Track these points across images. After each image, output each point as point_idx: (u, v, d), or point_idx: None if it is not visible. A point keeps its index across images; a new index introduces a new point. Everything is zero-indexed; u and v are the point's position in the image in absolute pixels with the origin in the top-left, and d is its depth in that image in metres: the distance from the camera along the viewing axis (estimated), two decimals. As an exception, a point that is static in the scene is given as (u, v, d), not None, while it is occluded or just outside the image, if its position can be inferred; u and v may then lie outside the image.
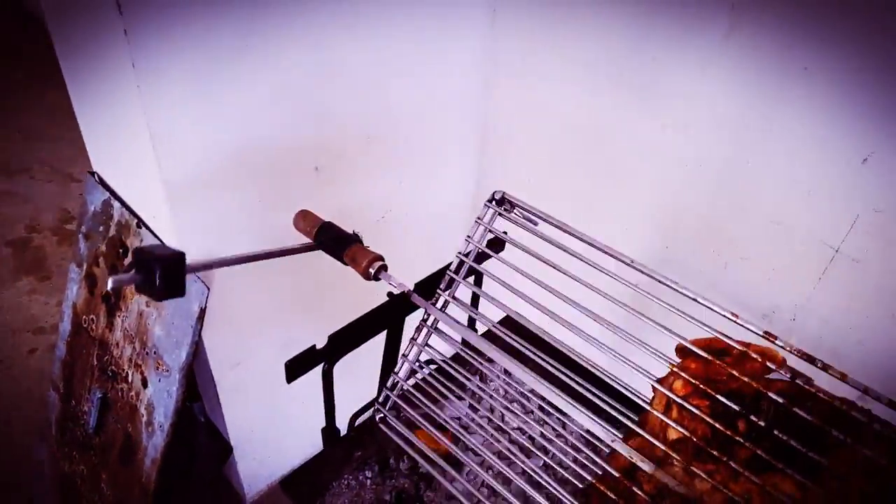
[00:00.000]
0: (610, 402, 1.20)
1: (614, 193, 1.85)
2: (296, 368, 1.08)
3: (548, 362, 1.23)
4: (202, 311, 1.49)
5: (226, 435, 1.99)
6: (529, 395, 1.49)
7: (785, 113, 1.42)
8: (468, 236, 1.18)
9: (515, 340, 1.29)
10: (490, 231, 1.20)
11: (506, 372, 1.56)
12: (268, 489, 2.25)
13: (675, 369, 0.95)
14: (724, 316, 1.02)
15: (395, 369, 1.18)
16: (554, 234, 1.21)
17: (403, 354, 1.21)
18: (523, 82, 1.95)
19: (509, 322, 1.26)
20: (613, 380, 1.16)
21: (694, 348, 0.96)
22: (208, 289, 1.47)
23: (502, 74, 1.99)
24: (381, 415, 1.11)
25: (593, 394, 1.24)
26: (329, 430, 1.24)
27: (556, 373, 1.21)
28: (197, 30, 1.27)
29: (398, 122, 1.82)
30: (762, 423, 0.83)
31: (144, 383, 1.66)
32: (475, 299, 1.35)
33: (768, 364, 0.90)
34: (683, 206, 1.70)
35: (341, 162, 1.73)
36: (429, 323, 1.20)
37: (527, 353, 1.25)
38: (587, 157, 1.87)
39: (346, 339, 1.15)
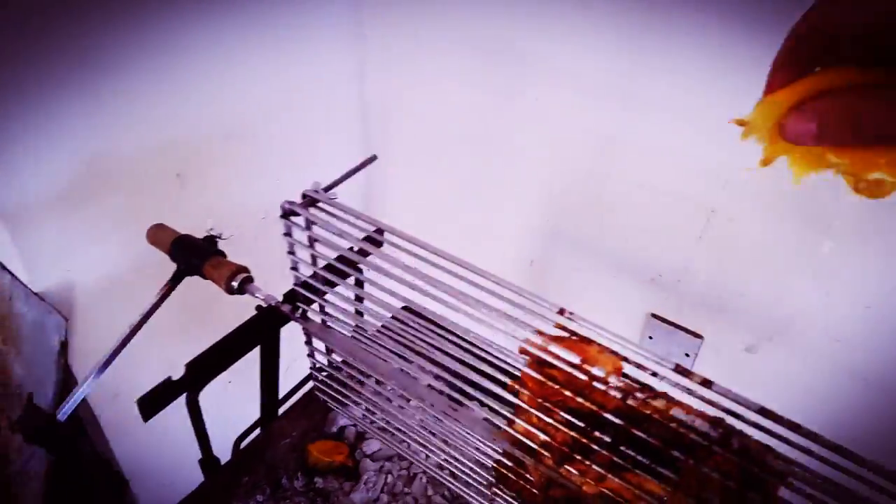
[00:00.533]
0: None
1: (500, 170, 1.83)
2: (151, 405, 0.99)
3: (445, 353, 1.18)
4: (63, 344, 1.37)
5: (119, 468, 1.87)
6: (428, 390, 1.45)
7: (653, 76, 1.41)
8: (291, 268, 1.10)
9: (410, 334, 1.23)
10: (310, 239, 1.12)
11: (402, 370, 1.52)
12: (176, 517, 2.13)
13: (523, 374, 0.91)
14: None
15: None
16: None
17: (309, 354, 1.13)
18: (398, 62, 1.89)
19: (401, 319, 1.21)
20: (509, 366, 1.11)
21: (522, 368, 0.91)
22: (66, 319, 1.35)
23: (375, 53, 1.92)
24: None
25: (490, 379, 1.20)
26: (206, 461, 1.16)
27: (454, 363, 1.15)
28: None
29: (265, 117, 1.72)
30: (608, 439, 0.80)
31: (12, 428, 1.52)
32: (360, 297, 1.28)
33: (599, 380, 0.84)
34: (565, 178, 1.69)
35: (205, 165, 1.62)
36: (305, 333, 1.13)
37: (422, 345, 1.19)
38: (472, 134, 1.83)
39: (209, 365, 1.06)
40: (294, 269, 1.10)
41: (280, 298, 1.07)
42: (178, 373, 1.22)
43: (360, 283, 1.19)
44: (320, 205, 1.07)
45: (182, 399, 1.13)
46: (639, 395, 0.76)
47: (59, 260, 1.43)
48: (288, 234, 1.07)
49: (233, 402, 1.46)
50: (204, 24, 1.49)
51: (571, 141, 1.62)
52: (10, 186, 1.27)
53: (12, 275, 1.41)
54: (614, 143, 1.54)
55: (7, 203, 1.28)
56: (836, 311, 1.43)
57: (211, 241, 1.09)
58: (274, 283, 1.16)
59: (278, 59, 1.70)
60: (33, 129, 1.26)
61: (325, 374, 1.24)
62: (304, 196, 1.07)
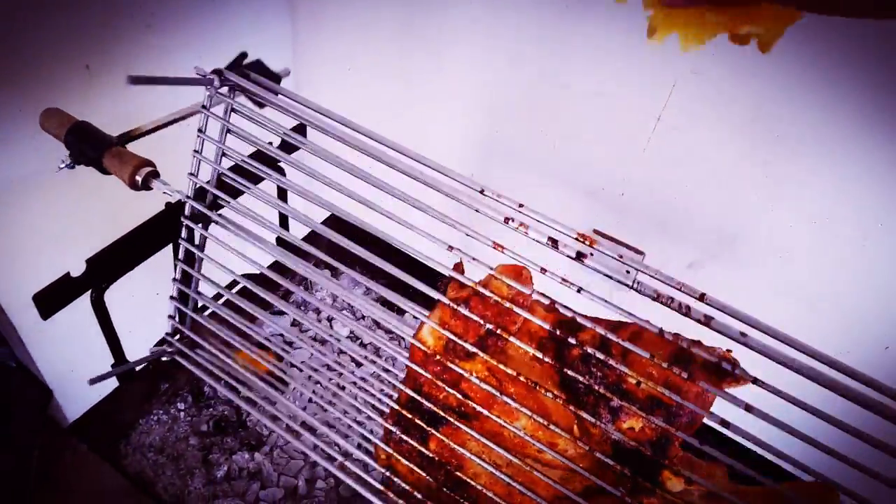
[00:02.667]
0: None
1: (438, 78, 1.75)
2: (49, 302, 0.94)
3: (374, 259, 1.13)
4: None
5: (42, 378, 1.82)
6: (360, 300, 1.42)
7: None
8: (195, 151, 1.03)
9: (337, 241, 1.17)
10: (233, 133, 1.06)
11: (333, 276, 1.48)
12: (107, 428, 2.11)
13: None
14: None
15: (185, 299, 1.06)
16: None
17: (180, 280, 1.08)
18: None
19: (331, 221, 1.16)
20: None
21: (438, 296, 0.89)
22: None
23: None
24: (173, 350, 0.99)
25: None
26: (118, 363, 1.11)
27: (385, 267, 1.11)
28: None
29: (184, 17, 1.60)
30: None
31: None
32: (282, 194, 1.23)
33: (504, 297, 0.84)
34: (506, 88, 1.63)
35: (118, 57, 1.51)
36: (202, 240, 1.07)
37: (352, 251, 1.14)
38: (405, 35, 1.74)
39: (114, 262, 1.00)
40: (193, 174, 1.03)
41: (190, 194, 1.01)
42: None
43: (282, 194, 1.13)
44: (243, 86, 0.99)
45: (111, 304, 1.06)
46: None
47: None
48: (201, 130, 1.00)
49: (159, 308, 1.40)
50: None
51: (514, 41, 1.55)
52: None
53: None
54: (558, 46, 1.48)
55: None
56: (779, 225, 1.43)
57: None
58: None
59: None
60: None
61: (247, 280, 1.19)
62: (221, 73, 0.99)
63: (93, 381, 1.02)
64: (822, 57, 1.21)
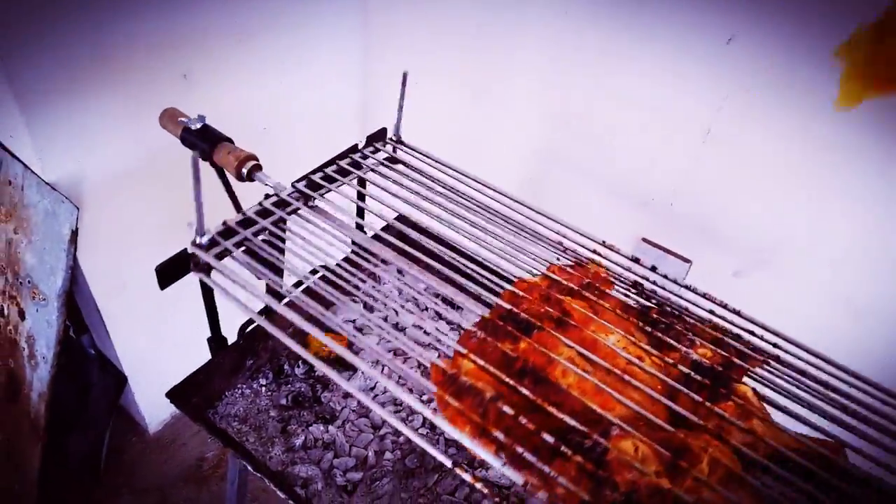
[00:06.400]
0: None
1: (500, 89, 1.90)
2: (167, 274, 1.09)
3: (439, 260, 1.27)
4: (74, 233, 1.47)
5: (119, 366, 1.99)
6: (423, 293, 1.55)
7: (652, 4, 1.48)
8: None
9: (405, 243, 1.31)
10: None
11: (399, 272, 1.62)
12: (171, 418, 2.27)
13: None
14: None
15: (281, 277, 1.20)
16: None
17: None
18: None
19: (395, 230, 1.30)
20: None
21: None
22: (77, 209, 1.44)
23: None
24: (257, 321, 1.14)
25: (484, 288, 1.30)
26: (215, 339, 1.26)
27: (447, 270, 1.24)
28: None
29: (273, 21, 1.78)
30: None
31: (22, 315, 1.64)
32: (362, 199, 1.38)
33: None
34: (564, 98, 1.77)
35: (213, 69, 1.69)
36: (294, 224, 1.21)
37: (417, 254, 1.28)
38: (470, 48, 1.90)
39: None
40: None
41: (290, 188, 1.16)
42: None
43: (362, 183, 1.28)
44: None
45: (186, 305, 1.20)
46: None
47: (70, 150, 1.52)
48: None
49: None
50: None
51: (567, 60, 1.69)
52: (26, 74, 1.34)
53: (24, 165, 1.50)
54: (612, 61, 1.61)
55: (24, 90, 1.35)
56: (827, 237, 1.53)
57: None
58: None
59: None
60: (46, 15, 1.33)
61: (324, 271, 1.34)
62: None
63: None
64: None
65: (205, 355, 1.32)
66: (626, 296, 1.04)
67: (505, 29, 1.79)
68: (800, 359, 0.95)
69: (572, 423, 0.78)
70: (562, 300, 0.95)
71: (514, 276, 1.08)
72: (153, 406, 2.19)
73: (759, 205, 1.59)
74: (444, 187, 1.24)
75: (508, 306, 0.93)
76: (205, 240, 1.07)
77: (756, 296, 1.72)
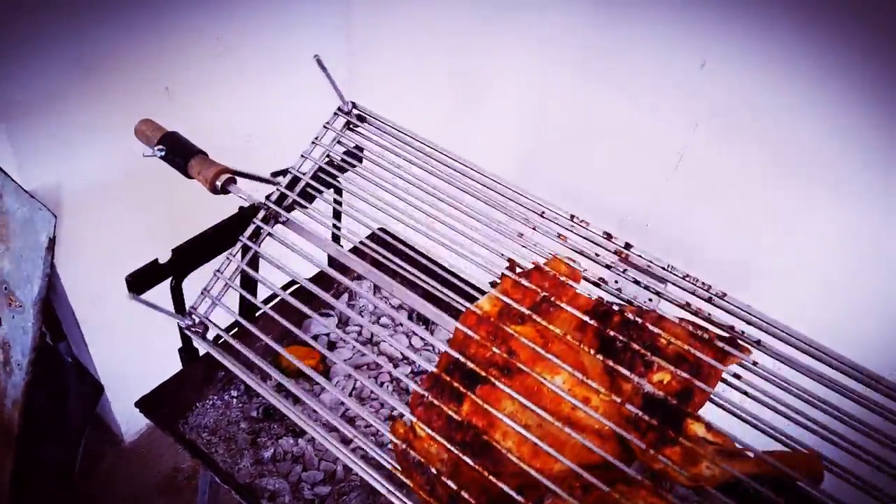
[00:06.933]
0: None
1: (479, 108, 1.92)
2: (138, 283, 1.10)
3: (413, 275, 1.27)
4: (51, 241, 1.48)
5: (95, 374, 1.99)
6: (397, 310, 1.57)
7: (624, 20, 1.51)
8: (303, 154, 1.21)
9: (382, 255, 1.32)
10: (340, 143, 1.24)
11: (374, 288, 1.63)
12: (147, 428, 2.27)
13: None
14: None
15: (209, 288, 1.21)
16: (411, 151, 1.25)
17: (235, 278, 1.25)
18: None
19: (376, 238, 1.31)
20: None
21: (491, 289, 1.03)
22: (55, 217, 1.45)
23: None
24: (222, 339, 1.14)
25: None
26: (186, 350, 1.27)
27: (423, 284, 1.25)
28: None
29: (253, 35, 1.81)
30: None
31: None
32: (337, 214, 1.39)
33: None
34: (538, 114, 1.79)
35: (194, 82, 1.71)
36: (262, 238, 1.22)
37: (393, 267, 1.29)
38: (453, 69, 1.92)
39: (193, 253, 1.17)
40: (298, 171, 1.20)
41: (262, 200, 1.17)
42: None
43: (339, 192, 1.30)
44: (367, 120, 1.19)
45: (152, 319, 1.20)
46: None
47: (50, 159, 1.53)
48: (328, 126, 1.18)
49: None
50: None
51: (543, 75, 1.72)
52: (7, 84, 1.35)
53: (4, 172, 1.51)
54: (589, 74, 1.63)
55: (5, 98, 1.37)
56: (802, 258, 1.55)
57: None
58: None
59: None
60: (27, 26, 1.35)
61: (295, 286, 1.35)
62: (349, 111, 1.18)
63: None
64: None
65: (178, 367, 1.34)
66: (590, 297, 1.02)
67: (486, 42, 1.81)
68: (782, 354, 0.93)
69: (510, 492, 0.85)
70: (509, 336, 0.96)
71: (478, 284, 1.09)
72: (129, 415, 2.19)
73: (733, 225, 1.62)
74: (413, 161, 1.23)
75: (456, 355, 0.96)
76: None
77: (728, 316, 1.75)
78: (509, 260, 1.05)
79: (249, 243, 1.17)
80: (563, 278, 0.99)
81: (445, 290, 1.11)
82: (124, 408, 2.15)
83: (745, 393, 0.90)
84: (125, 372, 2.04)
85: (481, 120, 1.97)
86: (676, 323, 0.93)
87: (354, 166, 1.28)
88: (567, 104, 1.73)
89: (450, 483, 0.89)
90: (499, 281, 1.04)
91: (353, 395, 1.43)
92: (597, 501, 0.83)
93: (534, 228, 1.11)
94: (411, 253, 1.18)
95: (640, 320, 0.93)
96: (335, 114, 1.25)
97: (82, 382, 2.01)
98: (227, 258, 1.12)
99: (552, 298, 0.97)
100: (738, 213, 1.59)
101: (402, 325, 1.56)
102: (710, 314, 0.99)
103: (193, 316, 1.11)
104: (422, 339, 1.55)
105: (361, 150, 1.30)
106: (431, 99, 2.06)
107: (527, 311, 0.96)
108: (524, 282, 0.99)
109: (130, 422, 2.21)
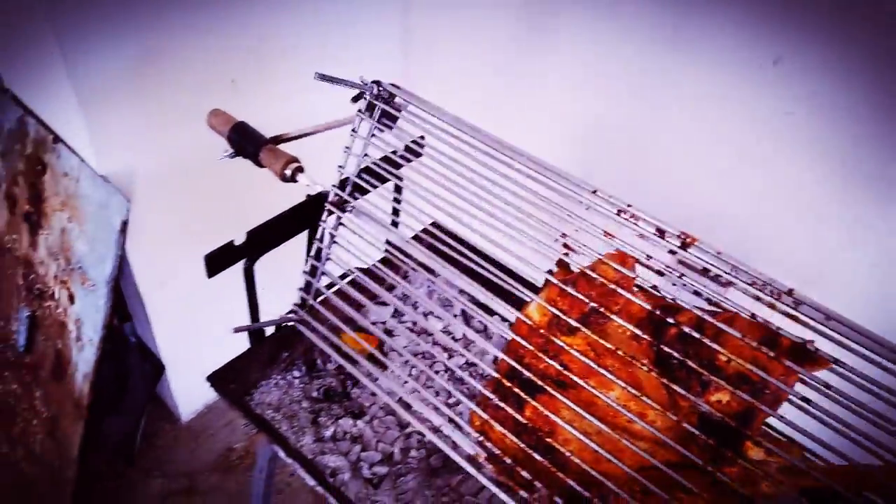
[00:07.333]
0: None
1: (536, 105, 1.94)
2: (215, 263, 1.16)
3: (473, 262, 1.30)
4: (124, 224, 1.55)
5: (157, 354, 2.07)
6: (454, 298, 1.60)
7: (695, 19, 1.51)
8: (346, 147, 1.22)
9: (440, 244, 1.35)
10: (375, 137, 1.24)
11: (430, 273, 1.67)
12: (204, 408, 2.35)
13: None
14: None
15: (315, 275, 1.27)
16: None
17: (314, 257, 1.29)
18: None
19: (432, 231, 1.35)
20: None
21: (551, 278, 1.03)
22: (129, 201, 1.52)
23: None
24: (299, 318, 1.20)
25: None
26: (254, 330, 1.33)
27: (481, 270, 1.28)
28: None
29: (313, 32, 1.86)
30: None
31: (71, 299, 1.72)
32: (397, 199, 1.44)
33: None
34: (602, 121, 1.80)
35: (260, 75, 1.77)
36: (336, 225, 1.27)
37: (452, 254, 1.32)
38: (508, 66, 1.94)
39: (265, 237, 1.23)
40: (341, 166, 1.24)
41: (329, 188, 1.22)
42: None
43: (398, 189, 1.34)
44: (398, 100, 1.19)
45: (224, 299, 1.25)
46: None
47: (124, 146, 1.60)
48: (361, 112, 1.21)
49: (277, 289, 1.62)
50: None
51: (607, 75, 1.72)
52: (87, 72, 1.43)
53: (81, 158, 1.59)
54: (653, 81, 1.64)
55: (83, 87, 1.44)
56: (863, 265, 1.53)
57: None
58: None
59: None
60: (107, 18, 1.42)
61: (357, 272, 1.39)
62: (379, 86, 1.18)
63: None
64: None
65: (240, 349, 1.39)
66: (646, 319, 0.98)
67: (540, 44, 1.83)
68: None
69: (577, 488, 0.92)
70: (560, 350, 0.97)
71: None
72: (187, 395, 2.27)
73: (799, 227, 1.60)
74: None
75: (512, 362, 0.99)
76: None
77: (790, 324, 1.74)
78: (558, 262, 1.04)
79: (332, 230, 1.22)
80: (612, 286, 0.96)
81: (503, 276, 1.13)
82: (183, 388, 2.23)
83: (818, 418, 0.84)
84: (185, 353, 2.13)
85: (533, 126, 1.99)
86: (739, 337, 0.87)
87: (410, 161, 1.32)
88: (628, 101, 1.73)
89: (524, 473, 0.95)
90: (552, 277, 1.04)
91: (407, 382, 1.47)
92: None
93: (587, 209, 1.06)
94: (462, 248, 1.21)
95: (696, 335, 0.89)
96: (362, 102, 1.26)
97: (144, 361, 2.09)
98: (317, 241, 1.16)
99: (601, 309, 0.95)
100: (809, 214, 1.56)
101: (457, 315, 1.59)
102: (778, 328, 0.89)
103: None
104: (481, 323, 1.59)
105: (422, 145, 1.34)
106: (485, 99, 2.08)
107: (575, 324, 0.96)
108: (571, 290, 0.98)
109: (188, 402, 2.29)
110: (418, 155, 1.30)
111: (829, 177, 1.50)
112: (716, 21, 1.50)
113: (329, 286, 1.46)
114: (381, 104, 1.18)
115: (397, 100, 1.20)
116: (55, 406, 1.88)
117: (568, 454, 0.95)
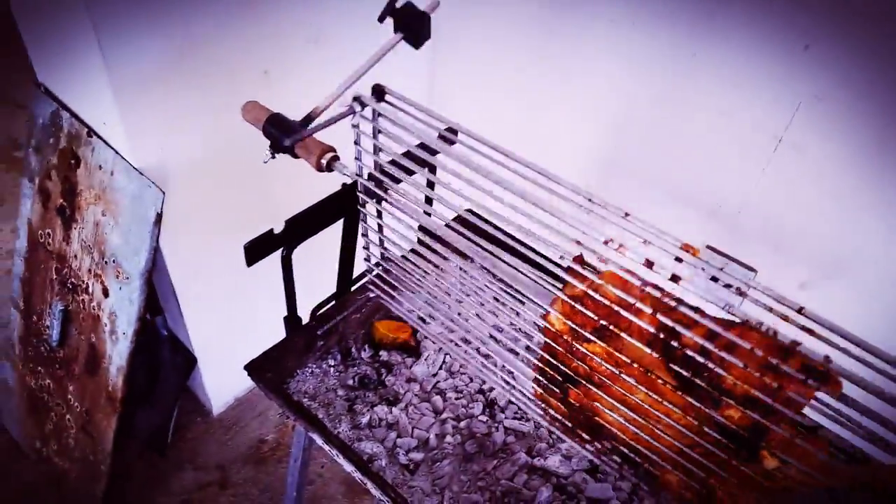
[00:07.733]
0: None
1: (564, 95, 1.93)
2: (255, 251, 1.17)
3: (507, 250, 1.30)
4: (159, 216, 1.56)
5: (189, 347, 2.09)
6: (486, 286, 1.60)
7: (729, 4, 1.50)
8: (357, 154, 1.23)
9: (474, 233, 1.35)
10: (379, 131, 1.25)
11: (464, 260, 1.67)
12: (235, 401, 2.37)
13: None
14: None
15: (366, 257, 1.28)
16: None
17: (365, 246, 1.31)
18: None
19: (465, 219, 1.35)
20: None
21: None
22: (163, 193, 1.54)
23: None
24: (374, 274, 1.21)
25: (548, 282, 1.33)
26: (291, 319, 1.34)
27: (514, 260, 1.28)
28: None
29: (342, 24, 1.86)
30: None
31: (105, 293, 1.74)
32: (431, 185, 1.44)
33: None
34: (630, 103, 1.79)
35: (291, 66, 1.78)
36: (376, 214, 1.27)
37: (484, 244, 1.32)
38: (539, 56, 1.94)
39: (303, 225, 1.23)
40: (358, 158, 1.24)
41: (365, 177, 1.22)
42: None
43: (430, 184, 1.34)
44: (389, 99, 1.21)
45: (255, 292, 1.27)
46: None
47: (158, 138, 1.62)
48: (356, 125, 1.22)
49: (311, 281, 1.62)
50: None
51: (637, 62, 1.71)
52: (122, 66, 1.44)
53: (115, 151, 1.61)
54: (683, 67, 1.63)
55: (119, 80, 1.46)
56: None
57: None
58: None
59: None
60: (142, 10, 1.43)
61: (389, 263, 1.40)
62: (374, 90, 1.20)
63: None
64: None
65: (271, 343, 1.40)
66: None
67: (570, 34, 1.82)
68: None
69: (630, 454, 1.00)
70: (585, 355, 1.00)
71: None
72: (219, 388, 2.29)
73: (831, 214, 1.58)
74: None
75: (548, 357, 1.01)
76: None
77: (823, 310, 1.72)
78: (575, 258, 1.02)
79: (374, 217, 1.23)
80: (615, 308, 0.94)
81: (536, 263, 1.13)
82: (215, 381, 2.25)
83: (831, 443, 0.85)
84: (217, 347, 2.15)
85: (563, 117, 1.98)
86: (762, 338, 0.84)
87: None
88: (657, 89, 1.72)
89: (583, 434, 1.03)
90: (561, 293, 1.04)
91: (443, 367, 1.47)
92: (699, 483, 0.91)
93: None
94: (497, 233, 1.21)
95: (701, 360, 0.87)
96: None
97: (176, 354, 2.11)
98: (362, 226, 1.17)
99: (611, 327, 0.95)
100: (842, 200, 1.55)
101: (487, 303, 1.59)
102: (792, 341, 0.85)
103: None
104: (508, 315, 1.58)
105: (455, 132, 1.34)
106: (508, 98, 2.08)
107: (591, 337, 0.98)
108: (580, 307, 0.98)
109: (219, 395, 2.31)
110: (452, 143, 1.30)
111: (862, 163, 1.48)
112: (747, 7, 1.48)
113: (360, 276, 1.47)
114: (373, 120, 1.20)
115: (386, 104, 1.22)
116: (88, 400, 1.91)
117: (616, 431, 0.97)
